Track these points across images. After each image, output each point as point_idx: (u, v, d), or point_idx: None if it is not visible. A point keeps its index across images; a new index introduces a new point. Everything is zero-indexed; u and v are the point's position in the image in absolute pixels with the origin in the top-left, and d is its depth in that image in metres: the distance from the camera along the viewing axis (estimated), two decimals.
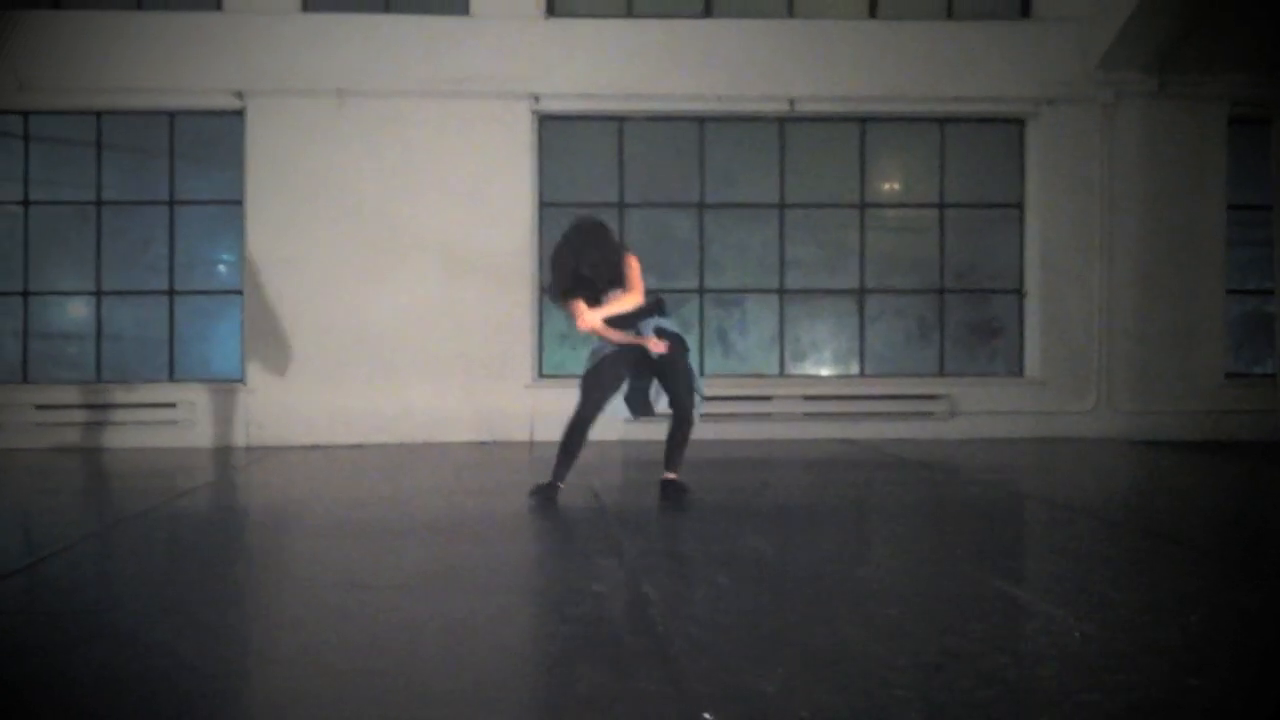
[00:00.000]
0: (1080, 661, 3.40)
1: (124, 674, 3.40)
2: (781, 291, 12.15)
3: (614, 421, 7.15)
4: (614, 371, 6.80)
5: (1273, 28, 11.20)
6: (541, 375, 11.80)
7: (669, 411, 6.92)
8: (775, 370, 12.14)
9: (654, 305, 6.87)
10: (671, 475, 6.88)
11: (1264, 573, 5.03)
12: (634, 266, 6.76)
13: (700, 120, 12.08)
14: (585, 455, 7.00)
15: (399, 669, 3.42)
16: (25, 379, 11.73)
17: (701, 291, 12.10)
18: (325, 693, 3.23)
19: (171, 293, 11.80)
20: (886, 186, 12.49)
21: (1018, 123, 12.18)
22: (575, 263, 6.67)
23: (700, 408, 6.95)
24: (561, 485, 6.86)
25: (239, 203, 11.67)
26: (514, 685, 3.39)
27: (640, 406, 6.99)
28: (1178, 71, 11.74)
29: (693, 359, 6.87)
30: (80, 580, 5.00)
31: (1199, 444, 11.20)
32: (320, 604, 4.40)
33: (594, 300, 6.72)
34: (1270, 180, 11.83)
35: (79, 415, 11.34)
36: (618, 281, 6.74)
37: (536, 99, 11.74)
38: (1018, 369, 12.22)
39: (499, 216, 11.65)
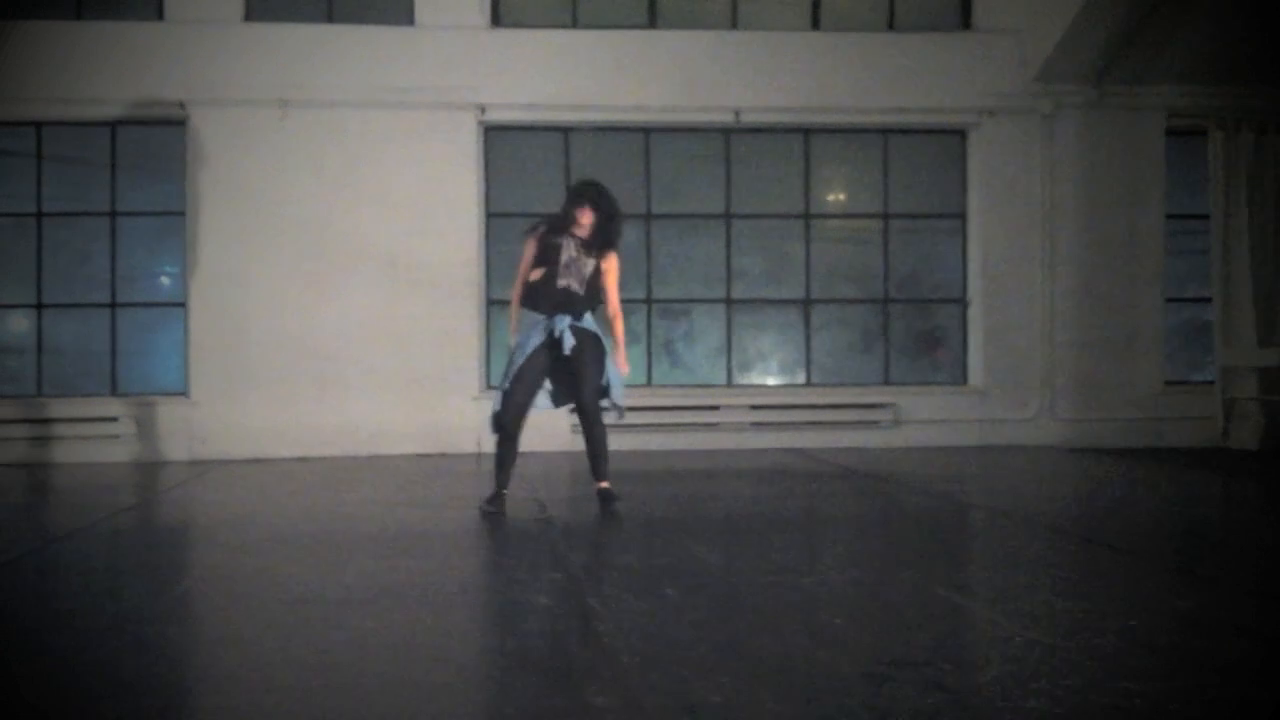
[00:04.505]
0: (1024, 668, 3.43)
1: (64, 694, 3.35)
2: (728, 302, 12.19)
3: (561, 434, 7.12)
4: (534, 369, 6.83)
5: (1208, 40, 11.39)
6: (488, 387, 11.73)
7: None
8: (722, 380, 12.16)
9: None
10: (604, 484, 6.89)
11: (1203, 577, 5.10)
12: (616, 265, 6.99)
13: (646, 131, 12.09)
14: (531, 467, 7.01)
15: (345, 685, 3.40)
16: None
17: (649, 302, 12.09)
18: (269, 711, 3.20)
19: (114, 305, 11.63)
20: (831, 197, 12.57)
21: (959, 133, 12.29)
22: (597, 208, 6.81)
23: (613, 416, 6.96)
24: (506, 491, 6.90)
25: (181, 214, 11.54)
26: (461, 700, 3.38)
27: (560, 397, 7.08)
28: (1116, 82, 11.89)
29: (636, 365, 6.88)
30: (19, 598, 4.93)
31: (1139, 451, 11.32)
32: (264, 620, 4.36)
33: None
34: (1207, 190, 12.03)
35: (20, 430, 11.12)
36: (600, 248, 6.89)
37: (482, 110, 11.71)
38: (961, 378, 12.30)
39: (445, 228, 11.59)
